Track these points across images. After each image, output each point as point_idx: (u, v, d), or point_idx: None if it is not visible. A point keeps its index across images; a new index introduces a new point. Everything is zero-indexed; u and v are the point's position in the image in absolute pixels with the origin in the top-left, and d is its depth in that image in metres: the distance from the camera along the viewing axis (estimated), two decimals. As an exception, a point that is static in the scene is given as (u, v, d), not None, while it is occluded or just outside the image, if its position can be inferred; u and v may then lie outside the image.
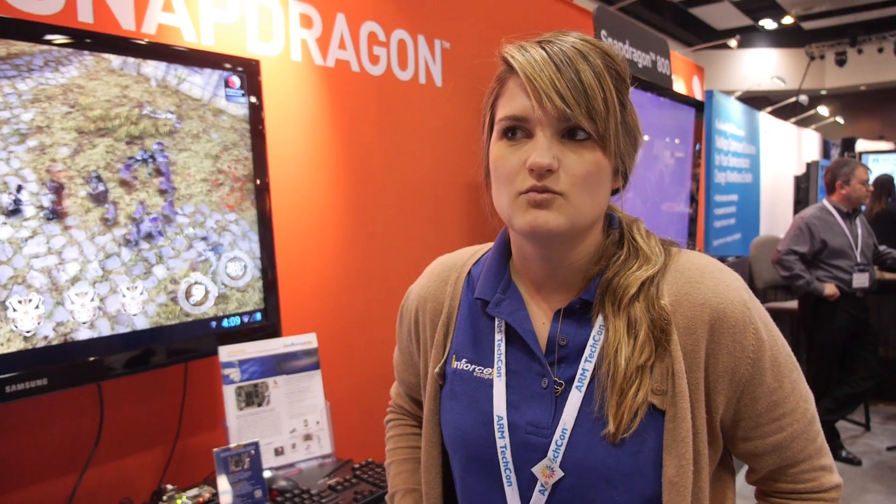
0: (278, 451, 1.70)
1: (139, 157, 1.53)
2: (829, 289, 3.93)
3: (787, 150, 8.44)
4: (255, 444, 1.51)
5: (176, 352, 1.61)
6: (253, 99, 1.76)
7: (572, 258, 0.86)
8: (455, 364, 0.94)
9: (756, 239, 5.19)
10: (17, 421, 1.51)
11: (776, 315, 5.24)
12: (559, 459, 0.82)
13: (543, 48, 0.79)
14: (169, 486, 1.54)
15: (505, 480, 0.86)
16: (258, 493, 1.49)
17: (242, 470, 1.49)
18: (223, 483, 1.46)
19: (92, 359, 1.45)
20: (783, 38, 12.53)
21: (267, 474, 1.64)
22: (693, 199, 4.09)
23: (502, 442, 0.86)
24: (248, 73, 1.75)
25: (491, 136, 0.86)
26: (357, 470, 1.65)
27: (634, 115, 0.85)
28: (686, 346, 0.81)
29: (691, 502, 0.81)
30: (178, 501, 1.51)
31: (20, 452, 1.51)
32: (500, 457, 0.86)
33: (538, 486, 0.84)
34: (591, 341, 0.84)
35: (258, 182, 1.77)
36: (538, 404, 0.85)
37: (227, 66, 1.71)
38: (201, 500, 1.52)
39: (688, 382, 0.81)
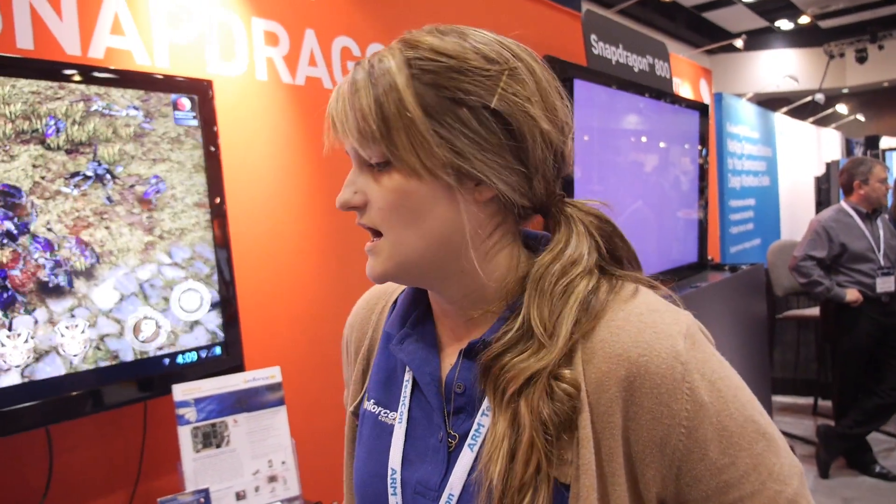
0: (240, 496, 1.59)
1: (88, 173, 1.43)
2: (851, 294, 3.74)
3: (807, 150, 8.22)
4: (206, 492, 1.40)
5: (124, 393, 1.52)
6: (205, 120, 1.66)
7: (462, 294, 0.73)
8: (366, 404, 0.83)
9: (773, 244, 4.99)
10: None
11: (800, 323, 5.05)
12: None
13: (352, 70, 0.70)
14: (116, 539, 1.44)
15: None
16: (209, 545, 1.38)
17: (192, 520, 1.38)
18: (170, 535, 1.35)
19: (25, 405, 1.36)
20: (800, 38, 12.30)
21: (227, 521, 1.53)
22: (703, 206, 3.94)
23: (394, 500, 0.74)
24: (200, 94, 1.67)
25: None
26: (320, 515, 1.53)
27: (515, 106, 0.66)
28: (596, 406, 0.65)
29: None
30: (125, 555, 1.40)
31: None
32: None
33: None
34: (486, 402, 0.70)
35: (214, 205, 1.67)
36: (431, 460, 0.73)
37: (175, 87, 1.62)
38: (150, 553, 1.42)
39: (599, 451, 0.65)
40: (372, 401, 0.82)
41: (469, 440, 0.70)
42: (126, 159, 1.54)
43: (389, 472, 0.75)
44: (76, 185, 1.47)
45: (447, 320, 0.77)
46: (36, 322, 1.37)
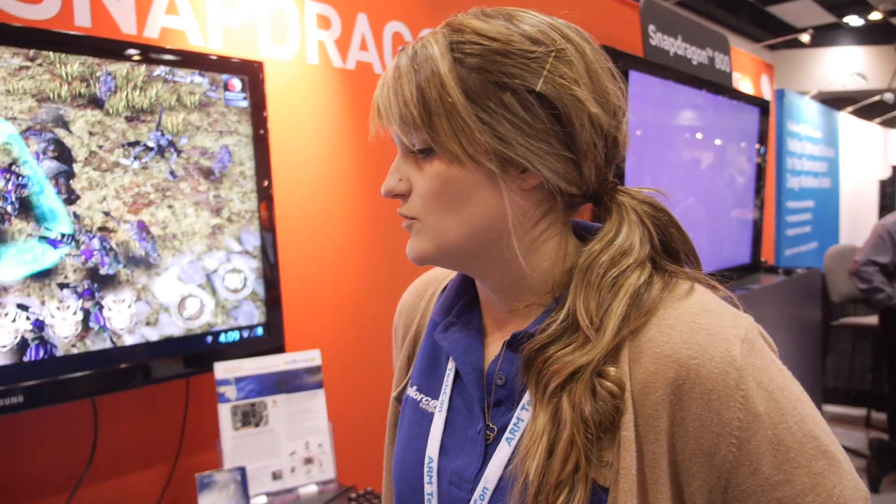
0: (276, 475, 1.60)
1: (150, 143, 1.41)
2: (914, 303, 3.58)
3: (872, 152, 7.89)
4: (242, 470, 1.41)
5: (168, 369, 1.54)
6: (255, 102, 1.67)
7: (507, 284, 0.71)
8: (409, 390, 0.82)
9: (831, 248, 4.81)
10: (8, 438, 1.46)
11: (856, 331, 4.86)
12: None
13: (397, 56, 0.68)
14: (155, 511, 1.46)
15: None
16: (243, 523, 1.40)
17: (228, 497, 1.39)
18: (206, 511, 1.37)
19: (76, 375, 1.39)
20: (870, 35, 11.79)
21: (263, 499, 1.54)
22: (758, 206, 3.81)
23: (430, 489, 0.73)
24: (251, 75, 1.67)
25: None
26: (353, 501, 1.53)
27: (563, 89, 0.63)
28: (641, 408, 0.61)
29: None
30: (162, 528, 1.43)
31: (9, 471, 1.47)
32: None
33: None
34: (527, 395, 0.68)
35: (261, 187, 1.68)
36: (468, 452, 0.71)
37: (227, 68, 1.63)
38: (186, 527, 1.44)
39: (641, 456, 0.62)
40: (415, 387, 0.82)
41: (507, 434, 0.68)
42: (191, 130, 1.53)
43: (426, 460, 0.74)
44: (136, 157, 1.46)
45: (492, 310, 0.75)
46: (83, 298, 1.40)
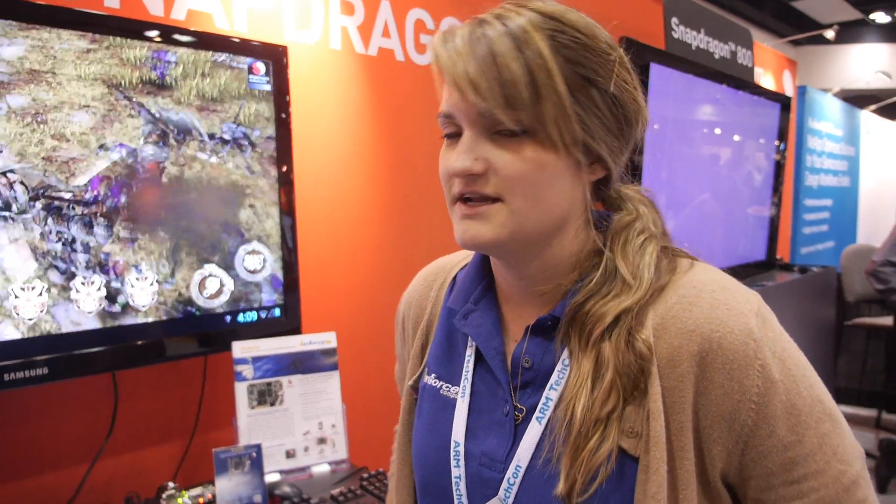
0: (290, 454, 1.63)
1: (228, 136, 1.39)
2: (930, 306, 3.56)
3: (893, 152, 7.79)
4: (258, 447, 1.44)
5: (187, 346, 1.57)
6: (278, 86, 1.69)
7: (539, 269, 0.73)
8: (426, 378, 0.85)
9: (848, 248, 4.78)
10: (30, 410, 1.50)
11: (870, 331, 4.83)
12: (510, 500, 0.70)
13: (471, 27, 0.67)
14: (171, 484, 1.50)
15: None
16: (257, 498, 1.43)
17: (243, 472, 1.43)
18: (222, 485, 1.40)
19: (97, 350, 1.42)
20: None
21: (276, 477, 1.57)
22: (776, 203, 3.79)
23: (457, 472, 0.75)
24: (274, 60, 1.69)
25: None
26: (365, 480, 1.56)
27: (626, 93, 0.70)
28: (668, 380, 0.66)
29: None
30: (179, 500, 1.46)
31: (32, 441, 1.51)
32: (453, 487, 0.75)
33: None
34: (559, 366, 0.71)
35: (281, 172, 1.70)
36: (496, 433, 0.74)
37: (252, 52, 1.65)
38: (202, 500, 1.47)
39: (668, 425, 0.66)
40: (433, 375, 0.83)
41: (537, 413, 0.71)
42: (262, 122, 1.53)
43: (452, 444, 0.76)
44: (213, 151, 1.43)
45: (513, 296, 0.78)
46: (107, 273, 1.43)
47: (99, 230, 1.40)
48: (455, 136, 0.70)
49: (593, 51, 0.67)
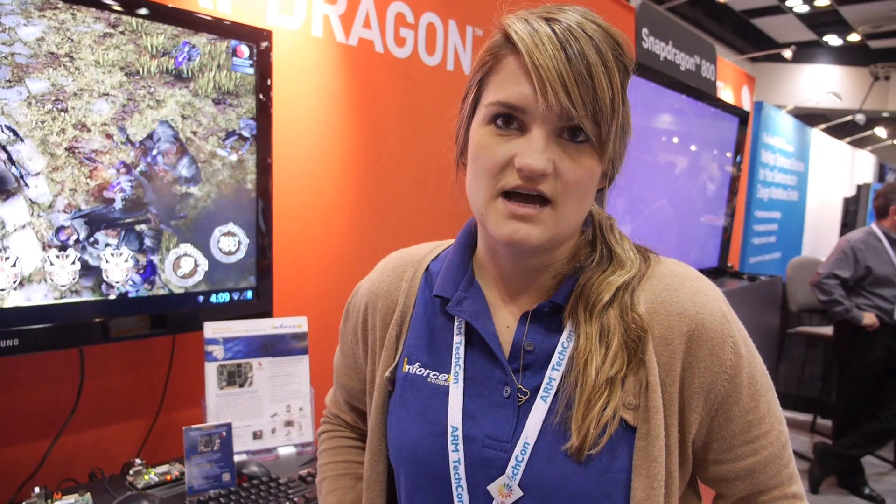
0: (257, 435, 1.65)
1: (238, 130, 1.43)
2: (869, 318, 3.75)
3: (839, 170, 8.12)
4: (228, 426, 1.46)
5: (158, 324, 1.57)
6: (261, 71, 1.70)
7: (546, 262, 0.79)
8: (407, 368, 0.86)
9: (794, 259, 4.98)
10: (-6, 380, 1.48)
11: (809, 340, 5.05)
12: (519, 477, 0.74)
13: (551, 26, 0.68)
14: (138, 461, 1.50)
15: (455, 499, 0.78)
16: (226, 476, 1.44)
17: (212, 451, 1.44)
18: (190, 462, 1.41)
19: (67, 324, 1.41)
20: (847, 56, 12.08)
21: (242, 457, 1.59)
22: (730, 213, 3.93)
23: (455, 456, 0.78)
24: (258, 43, 1.69)
25: (474, 113, 0.77)
26: (332, 462, 1.58)
27: (628, 114, 0.76)
28: (662, 357, 0.75)
29: None
30: (145, 477, 1.47)
31: (-6, 412, 1.49)
32: (451, 473, 0.78)
33: None
34: (559, 348, 0.76)
35: (261, 156, 1.71)
36: (499, 415, 0.77)
37: (237, 34, 1.65)
38: (169, 477, 1.48)
39: (662, 396, 0.74)
40: (417, 364, 0.85)
41: (542, 392, 0.76)
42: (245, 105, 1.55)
43: (450, 429, 0.78)
44: (232, 148, 1.45)
45: (506, 284, 0.82)
46: (83, 247, 1.42)
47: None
48: (509, 125, 0.71)
49: (628, 73, 0.73)
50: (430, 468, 0.80)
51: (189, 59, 1.50)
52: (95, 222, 1.42)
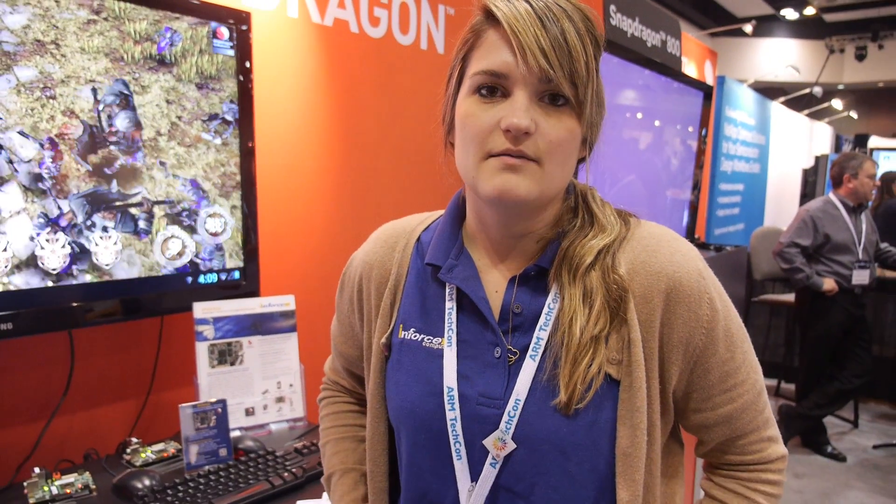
0: (249, 412, 1.68)
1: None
2: (829, 284, 3.89)
3: (798, 142, 8.34)
4: (223, 403, 1.49)
5: (148, 305, 1.59)
6: (241, 52, 1.71)
7: (532, 226, 0.84)
8: (402, 334, 0.91)
9: (757, 230, 5.13)
10: (-15, 365, 1.49)
11: (773, 308, 5.23)
12: (511, 431, 0.80)
13: (528, 1, 0.74)
14: (134, 440, 1.52)
15: (454, 454, 0.83)
16: (223, 452, 1.48)
17: (208, 427, 1.47)
18: (188, 439, 1.44)
19: (59, 307, 1.42)
20: (803, 29, 12.32)
21: (236, 434, 1.62)
22: (696, 187, 4.03)
23: (452, 414, 0.83)
24: (238, 24, 1.70)
25: (458, 90, 0.82)
26: (326, 434, 1.63)
27: (601, 84, 0.82)
28: (642, 314, 0.80)
29: (644, 474, 0.80)
30: (142, 455, 1.49)
31: (-14, 397, 1.50)
32: (449, 430, 0.83)
33: (489, 460, 0.81)
34: (545, 309, 0.81)
35: (243, 138, 1.73)
36: (490, 374, 0.83)
37: (216, 16, 1.66)
38: (165, 454, 1.51)
39: (643, 351, 0.79)
40: (412, 329, 0.90)
41: (530, 352, 0.81)
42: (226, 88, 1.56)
43: (446, 390, 0.83)
44: (216, 132, 1.47)
45: (493, 250, 0.87)
46: (80, 231, 1.43)
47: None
48: (493, 94, 0.76)
49: (599, 45, 0.79)
50: (428, 426, 0.85)
51: (171, 45, 1.51)
52: (94, 203, 1.43)
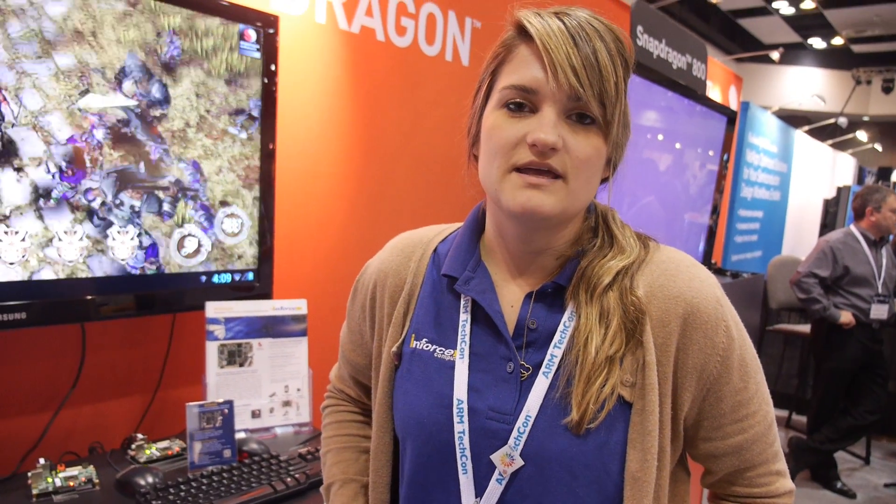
0: (255, 414, 1.68)
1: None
2: (846, 317, 3.84)
3: (820, 171, 8.27)
4: (230, 404, 1.48)
5: (161, 302, 1.59)
6: (267, 55, 1.72)
7: (552, 243, 0.83)
8: (414, 344, 0.90)
9: (775, 258, 5.08)
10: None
11: (787, 338, 5.17)
12: (520, 447, 0.79)
13: (561, 20, 0.75)
14: (139, 436, 1.52)
15: (460, 468, 0.82)
16: (227, 453, 1.47)
17: (214, 427, 1.47)
18: (193, 438, 1.44)
19: (73, 299, 1.43)
20: (830, 59, 12.25)
21: (241, 435, 1.62)
22: (714, 211, 4.00)
23: (461, 427, 0.82)
24: (265, 27, 1.71)
25: (486, 103, 0.82)
26: (331, 441, 1.62)
27: (628, 106, 0.82)
28: (658, 338, 0.79)
29: (651, 499, 0.78)
30: (147, 451, 1.49)
31: (-4, 385, 1.51)
32: (456, 442, 0.82)
33: (495, 475, 0.80)
34: (561, 327, 0.81)
35: (265, 139, 1.73)
36: (502, 389, 0.82)
37: (244, 18, 1.67)
38: (170, 452, 1.50)
39: (657, 375, 0.79)
40: (424, 340, 0.89)
41: (543, 368, 0.80)
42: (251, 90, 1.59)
43: (455, 402, 0.83)
44: (242, 127, 1.50)
45: (511, 265, 0.86)
46: (109, 209, 1.44)
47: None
48: (521, 108, 0.76)
49: (628, 66, 0.79)
50: (435, 438, 0.84)
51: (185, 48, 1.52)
52: (123, 181, 1.44)
